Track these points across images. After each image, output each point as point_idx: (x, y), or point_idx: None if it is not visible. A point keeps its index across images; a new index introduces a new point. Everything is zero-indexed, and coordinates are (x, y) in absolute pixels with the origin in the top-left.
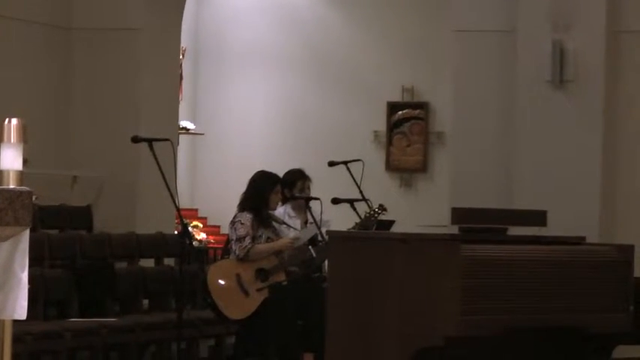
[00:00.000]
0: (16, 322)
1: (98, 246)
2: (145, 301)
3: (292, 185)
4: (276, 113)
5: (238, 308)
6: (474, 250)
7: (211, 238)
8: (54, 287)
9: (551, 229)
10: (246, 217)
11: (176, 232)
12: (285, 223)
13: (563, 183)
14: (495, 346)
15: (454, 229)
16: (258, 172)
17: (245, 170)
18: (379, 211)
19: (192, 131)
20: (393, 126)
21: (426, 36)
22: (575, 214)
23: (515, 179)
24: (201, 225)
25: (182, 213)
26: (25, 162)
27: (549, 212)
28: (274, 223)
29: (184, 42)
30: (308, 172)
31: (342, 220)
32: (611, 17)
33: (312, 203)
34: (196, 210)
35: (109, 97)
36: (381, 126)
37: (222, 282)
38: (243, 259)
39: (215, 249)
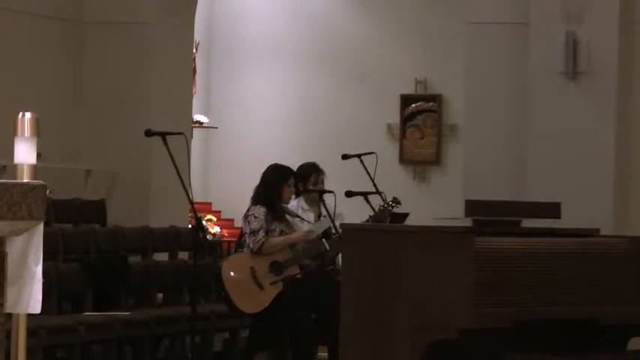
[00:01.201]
0: (30, 315)
1: (112, 240)
2: (159, 295)
3: (306, 179)
4: (290, 106)
5: (252, 301)
6: (488, 243)
7: (225, 232)
8: (68, 281)
9: (565, 222)
10: (260, 211)
11: (190, 226)
12: (298, 216)
13: (576, 175)
14: (509, 338)
15: (468, 222)
16: (271, 165)
17: (259, 163)
18: (393, 204)
19: (206, 125)
20: (406, 119)
21: (439, 28)
22: (588, 206)
23: (529, 171)
24: (214, 218)
25: (196, 206)
26: (38, 156)
27: (563, 204)
28: (288, 217)
29: (197, 35)
30: (321, 165)
31: (355, 213)
32: (624, 8)
33: (325, 196)
34: (210, 203)
35: (122, 91)
36: (395, 119)
37: (236, 275)
38: (256, 253)
39: (229, 242)
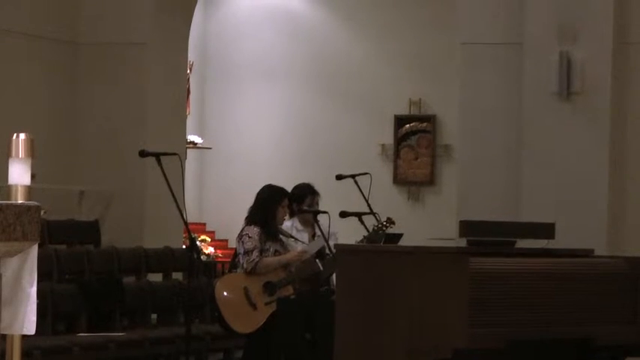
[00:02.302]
0: (24, 336)
1: (106, 260)
2: (153, 316)
3: (301, 200)
4: (284, 127)
5: (246, 322)
6: (482, 263)
7: (219, 252)
8: (62, 302)
9: (560, 242)
10: (254, 231)
11: (184, 246)
12: (292, 236)
13: (570, 195)
14: (504, 359)
15: (462, 242)
16: (266, 186)
17: (253, 184)
18: (387, 225)
19: (200, 145)
20: (400, 139)
21: (433, 49)
22: (583, 227)
23: (523, 192)
24: (209, 239)
25: (190, 227)
26: (32, 177)
27: (557, 225)
28: (282, 237)
29: (191, 56)
30: (316, 185)
31: (349, 233)
32: (618, 29)
33: (319, 217)
34: (204, 224)
35: (117, 112)
36: (389, 139)
37: (230, 295)
38: (250, 273)
39: (223, 263)
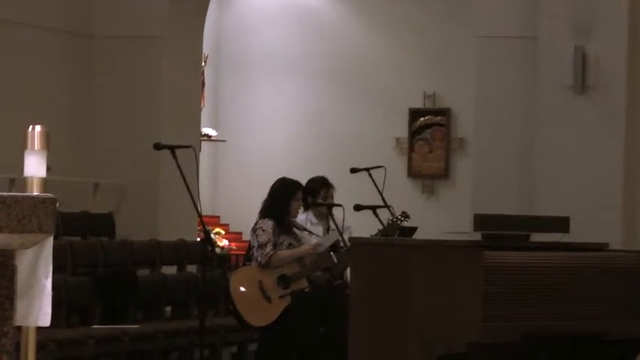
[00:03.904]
0: (39, 329)
1: (120, 253)
2: (168, 308)
3: (316, 193)
4: (298, 120)
5: (261, 315)
6: (497, 257)
7: (233, 245)
8: (76, 294)
9: (574, 236)
10: (268, 224)
11: (198, 239)
12: (306, 229)
13: (585, 189)
14: (517, 353)
15: (476, 236)
16: (279, 179)
17: (267, 177)
18: (402, 218)
19: (214, 138)
20: (414, 132)
21: (448, 42)
22: (597, 220)
23: (537, 185)
24: (223, 232)
25: (204, 220)
26: (48, 169)
27: (572, 218)
28: (296, 230)
29: (206, 49)
30: (330, 178)
31: (364, 226)
32: (633, 23)
33: (334, 210)
34: (218, 217)
35: (131, 105)
36: (403, 132)
37: (244, 289)
38: (265, 266)
39: (237, 256)
